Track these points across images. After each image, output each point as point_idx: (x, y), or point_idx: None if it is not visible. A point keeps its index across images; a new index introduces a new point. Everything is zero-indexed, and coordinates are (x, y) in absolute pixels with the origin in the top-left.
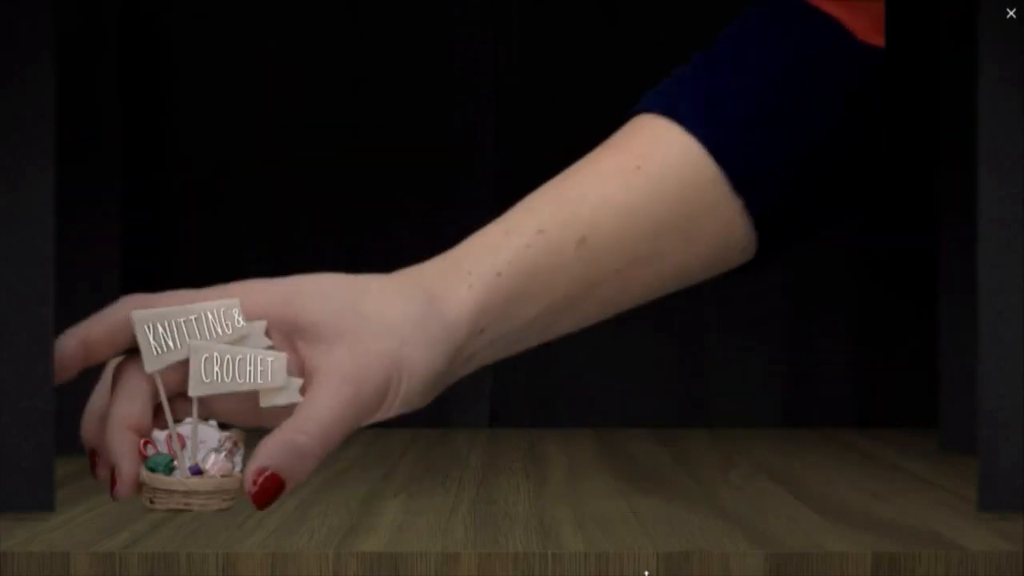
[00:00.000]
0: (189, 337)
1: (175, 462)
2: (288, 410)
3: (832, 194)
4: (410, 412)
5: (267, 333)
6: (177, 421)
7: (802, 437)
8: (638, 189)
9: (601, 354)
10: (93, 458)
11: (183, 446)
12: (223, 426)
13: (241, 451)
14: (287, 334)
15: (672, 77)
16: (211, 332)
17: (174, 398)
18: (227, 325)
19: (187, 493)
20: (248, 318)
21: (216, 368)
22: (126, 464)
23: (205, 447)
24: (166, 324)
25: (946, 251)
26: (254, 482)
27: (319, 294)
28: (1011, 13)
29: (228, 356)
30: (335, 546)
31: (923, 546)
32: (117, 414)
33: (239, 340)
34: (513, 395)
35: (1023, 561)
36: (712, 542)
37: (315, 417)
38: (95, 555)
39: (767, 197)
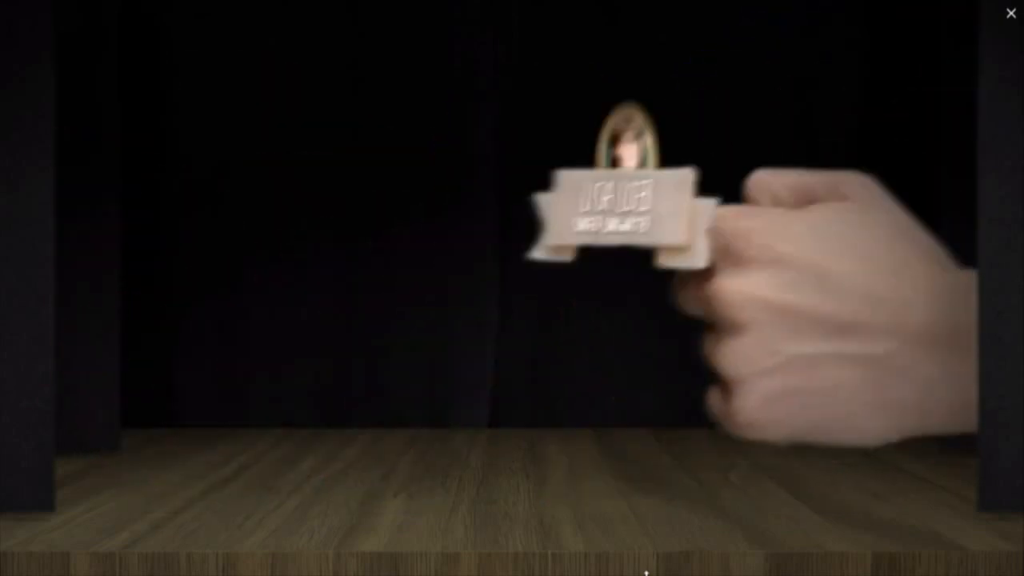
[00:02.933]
0: None
1: None
2: None
3: None
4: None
5: None
6: None
7: None
8: None
9: (601, 354)
10: None
11: None
12: None
13: None
14: None
15: None
16: None
17: None
18: None
19: None
20: None
21: None
22: None
23: None
24: None
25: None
26: None
27: None
28: (1011, 13)
29: None
30: (335, 546)
31: (923, 546)
32: None
33: None
34: (513, 395)
35: (1023, 561)
36: (712, 542)
37: None
38: (95, 555)
39: None
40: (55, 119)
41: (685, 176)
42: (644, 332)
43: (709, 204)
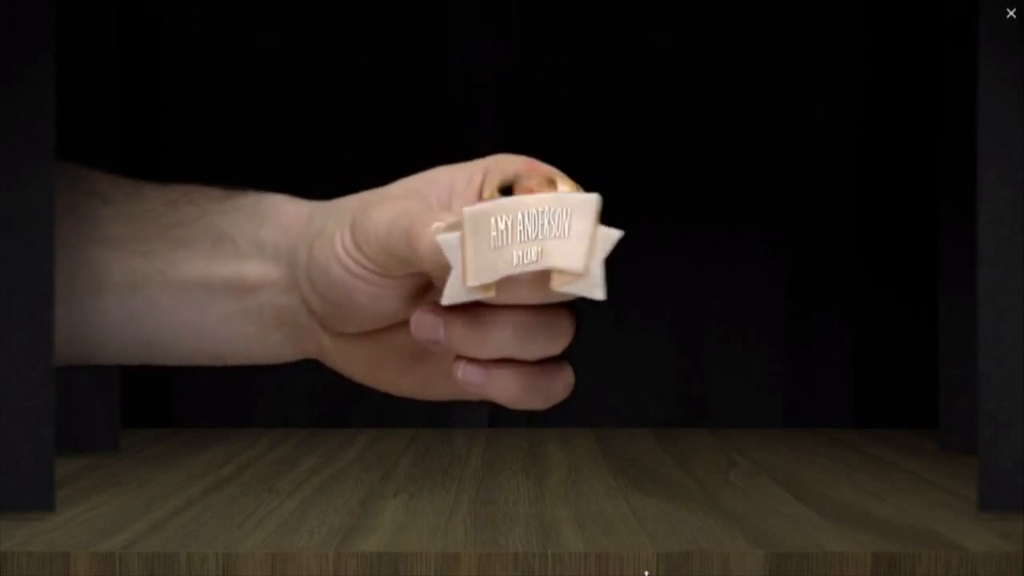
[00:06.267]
0: None
1: None
2: None
3: None
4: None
5: None
6: None
7: (802, 437)
8: None
9: (601, 354)
10: None
11: None
12: None
13: None
14: None
15: None
16: None
17: None
18: None
19: None
20: None
21: None
22: None
23: None
24: None
25: (946, 251)
26: None
27: None
28: (1011, 13)
29: None
30: (335, 546)
31: (923, 546)
32: None
33: None
34: None
35: (1023, 561)
36: (712, 542)
37: None
38: (95, 555)
39: None
40: (55, 119)
41: (591, 201)
42: (644, 332)
43: (613, 233)
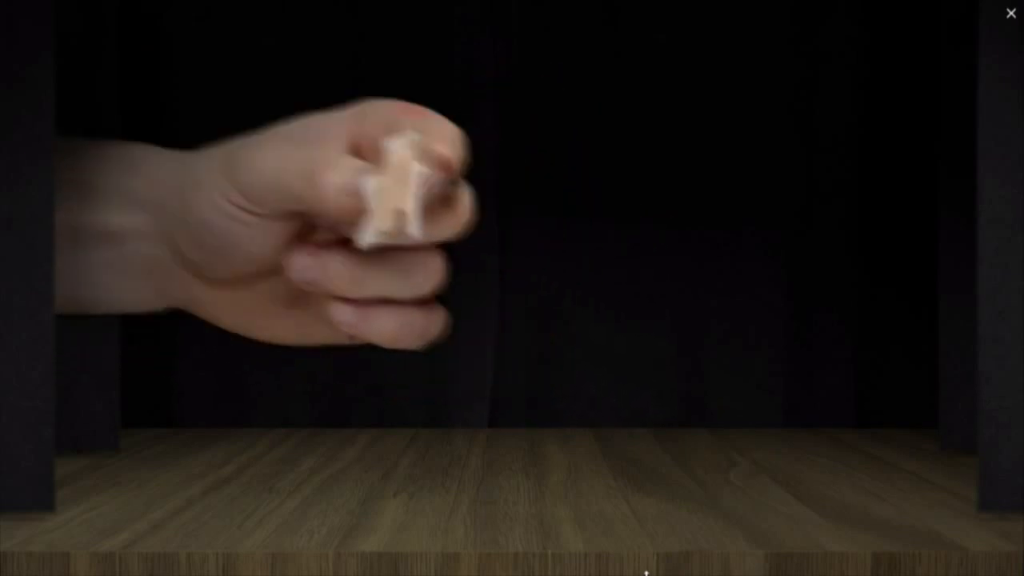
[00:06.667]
0: None
1: None
2: None
3: None
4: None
5: None
6: None
7: (802, 437)
8: None
9: (601, 354)
10: None
11: None
12: None
13: None
14: None
15: None
16: None
17: None
18: None
19: None
20: None
21: None
22: None
23: None
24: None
25: (946, 251)
26: None
27: None
28: (1011, 13)
29: None
30: (335, 546)
31: (923, 546)
32: None
33: None
34: (513, 395)
35: (1023, 561)
36: (712, 542)
37: None
38: (95, 555)
39: None
40: (55, 119)
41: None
42: (643, 332)
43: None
